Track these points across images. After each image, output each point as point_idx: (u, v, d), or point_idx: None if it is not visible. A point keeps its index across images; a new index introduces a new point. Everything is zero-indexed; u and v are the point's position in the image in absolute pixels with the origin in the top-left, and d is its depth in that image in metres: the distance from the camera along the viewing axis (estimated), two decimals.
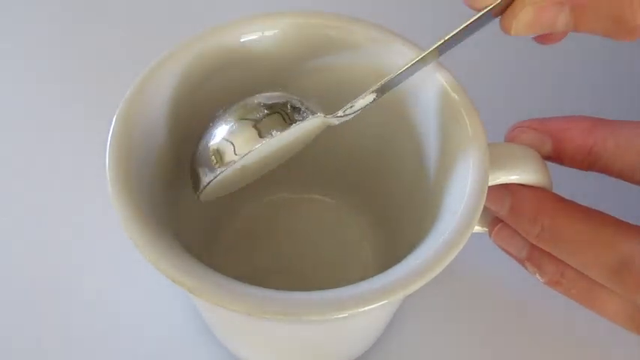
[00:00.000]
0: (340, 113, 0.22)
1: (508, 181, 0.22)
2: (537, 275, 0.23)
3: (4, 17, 0.38)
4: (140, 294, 0.28)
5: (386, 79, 0.22)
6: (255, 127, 0.21)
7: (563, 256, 0.22)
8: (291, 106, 0.21)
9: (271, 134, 0.20)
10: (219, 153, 0.21)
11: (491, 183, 0.21)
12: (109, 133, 0.20)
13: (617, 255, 0.21)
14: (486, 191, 0.20)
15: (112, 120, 0.21)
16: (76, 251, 0.30)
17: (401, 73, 0.22)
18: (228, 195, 0.23)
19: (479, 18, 0.20)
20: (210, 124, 0.21)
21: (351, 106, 0.22)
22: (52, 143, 0.33)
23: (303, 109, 0.21)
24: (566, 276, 0.23)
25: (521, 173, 0.22)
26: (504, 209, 0.23)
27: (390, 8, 0.38)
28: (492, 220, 0.24)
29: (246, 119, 0.21)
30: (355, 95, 0.22)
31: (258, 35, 0.23)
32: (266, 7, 0.24)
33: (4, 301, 0.28)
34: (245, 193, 0.25)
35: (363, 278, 0.19)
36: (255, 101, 0.21)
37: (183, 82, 0.23)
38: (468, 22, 0.20)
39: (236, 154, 0.20)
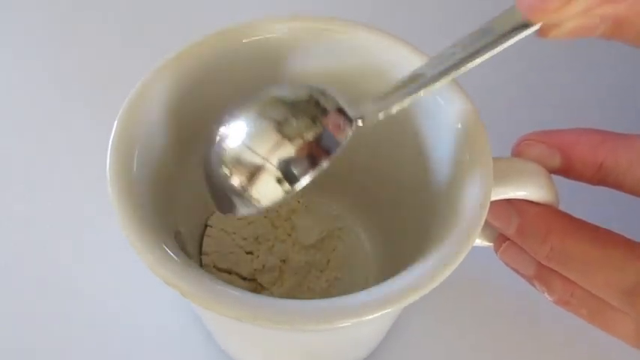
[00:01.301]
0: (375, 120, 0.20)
1: (514, 197, 0.22)
2: (546, 294, 0.23)
3: (4, 17, 0.39)
4: (140, 295, 0.28)
5: (420, 83, 0.20)
6: (304, 155, 0.19)
7: (572, 276, 0.22)
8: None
9: (322, 165, 0.19)
10: (265, 189, 0.19)
11: (496, 198, 0.21)
12: (110, 133, 0.20)
13: (629, 277, 0.20)
14: (488, 208, 0.20)
15: (113, 120, 0.21)
16: (76, 251, 0.30)
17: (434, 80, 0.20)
18: None
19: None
20: (234, 138, 0.20)
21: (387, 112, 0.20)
22: (52, 143, 0.33)
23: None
24: (575, 295, 0.22)
25: (527, 189, 0.21)
26: (511, 228, 0.22)
27: (391, 12, 0.38)
28: (498, 236, 0.24)
29: (292, 145, 0.19)
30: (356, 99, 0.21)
31: (261, 38, 0.23)
32: (268, 11, 0.24)
33: (4, 300, 0.28)
34: None
35: (364, 287, 0.19)
36: (290, 116, 0.19)
37: (185, 84, 0.23)
38: (512, 40, 0.19)
39: (285, 192, 0.19)
